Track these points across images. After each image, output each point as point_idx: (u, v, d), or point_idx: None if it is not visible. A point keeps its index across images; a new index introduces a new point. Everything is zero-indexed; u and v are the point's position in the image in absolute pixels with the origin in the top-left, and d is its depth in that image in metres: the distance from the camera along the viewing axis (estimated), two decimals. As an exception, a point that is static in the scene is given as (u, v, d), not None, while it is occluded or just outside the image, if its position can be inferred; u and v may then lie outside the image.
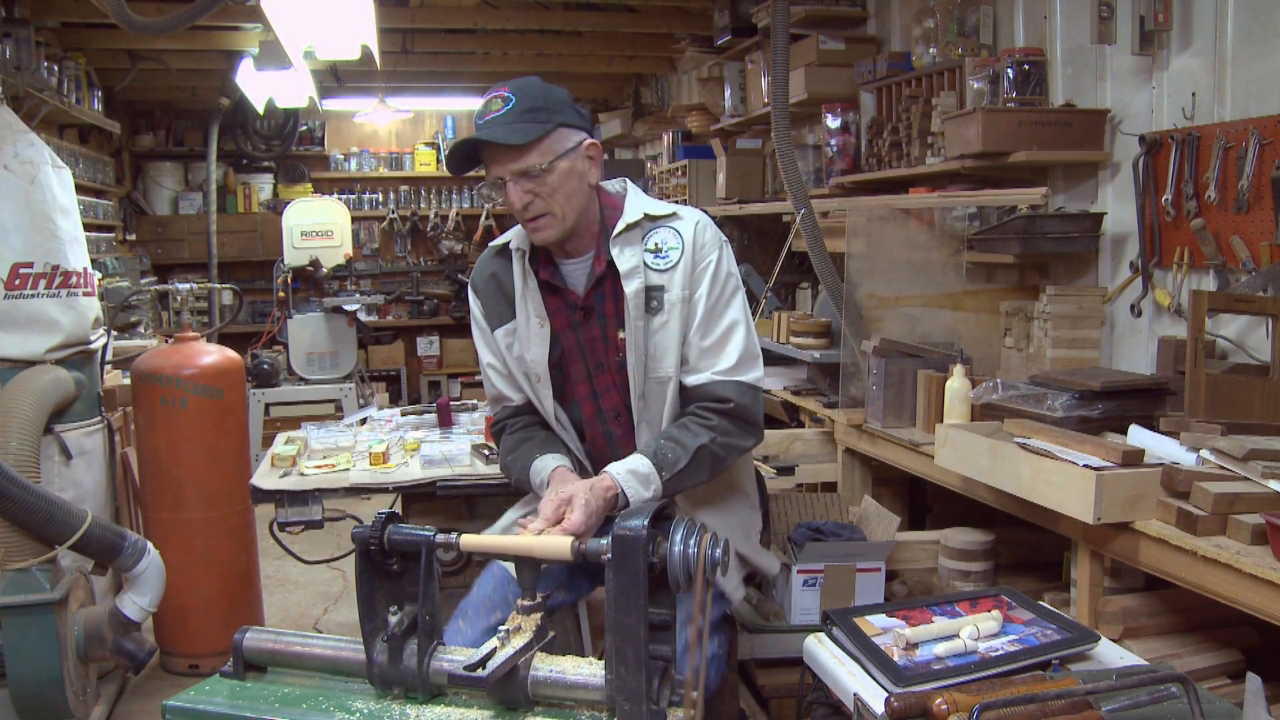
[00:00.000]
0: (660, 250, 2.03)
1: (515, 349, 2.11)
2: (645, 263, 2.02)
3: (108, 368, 3.89)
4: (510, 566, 2.03)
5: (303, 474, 2.90)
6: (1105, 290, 3.20)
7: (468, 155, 1.98)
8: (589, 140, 2.01)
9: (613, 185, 2.13)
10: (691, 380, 2.04)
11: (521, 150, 1.91)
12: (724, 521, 2.12)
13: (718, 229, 2.10)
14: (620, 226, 2.02)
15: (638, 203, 2.08)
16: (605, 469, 1.92)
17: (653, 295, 2.02)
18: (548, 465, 2.01)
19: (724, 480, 2.15)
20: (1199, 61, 2.87)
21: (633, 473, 1.90)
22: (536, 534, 1.67)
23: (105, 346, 3.58)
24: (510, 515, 2.21)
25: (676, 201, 4.71)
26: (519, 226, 2.08)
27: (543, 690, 1.50)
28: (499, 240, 2.17)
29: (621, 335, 2.04)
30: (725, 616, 2.14)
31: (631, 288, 2.00)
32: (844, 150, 4.47)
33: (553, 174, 1.93)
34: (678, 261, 2.02)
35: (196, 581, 3.54)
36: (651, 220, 2.06)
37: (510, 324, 2.11)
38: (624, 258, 2.01)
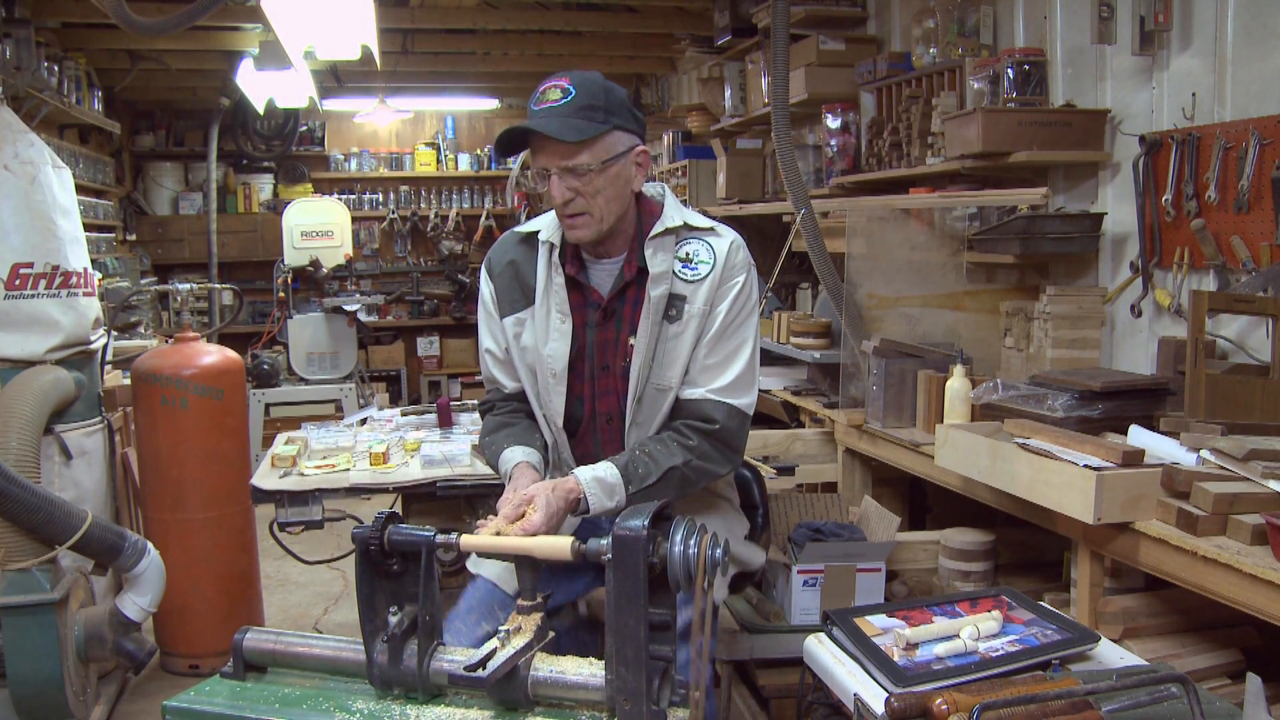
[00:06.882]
0: (691, 261, 2.02)
1: (524, 339, 2.07)
2: (674, 270, 2.01)
3: (108, 368, 3.89)
4: (495, 579, 2.04)
5: (303, 474, 2.90)
6: (1105, 290, 3.19)
7: (515, 140, 1.94)
8: (640, 147, 1.98)
9: (651, 189, 2.09)
10: (685, 394, 2.02)
11: (574, 147, 1.88)
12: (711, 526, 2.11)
13: (749, 254, 2.09)
14: (658, 229, 2.00)
15: (679, 211, 2.06)
16: (573, 471, 1.91)
17: (674, 303, 2.00)
18: (513, 458, 1.99)
19: (703, 489, 2.13)
20: (1199, 62, 2.87)
21: (598, 480, 1.88)
22: (494, 533, 1.68)
23: (105, 347, 3.58)
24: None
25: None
26: (549, 216, 2.06)
27: (543, 690, 1.50)
28: (525, 227, 2.12)
29: (633, 341, 2.01)
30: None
31: (657, 291, 1.98)
32: (844, 150, 4.47)
33: (601, 176, 1.91)
34: (706, 275, 2.00)
35: (196, 581, 3.53)
36: (689, 230, 2.04)
37: (522, 313, 2.07)
38: (656, 260, 1.99)
